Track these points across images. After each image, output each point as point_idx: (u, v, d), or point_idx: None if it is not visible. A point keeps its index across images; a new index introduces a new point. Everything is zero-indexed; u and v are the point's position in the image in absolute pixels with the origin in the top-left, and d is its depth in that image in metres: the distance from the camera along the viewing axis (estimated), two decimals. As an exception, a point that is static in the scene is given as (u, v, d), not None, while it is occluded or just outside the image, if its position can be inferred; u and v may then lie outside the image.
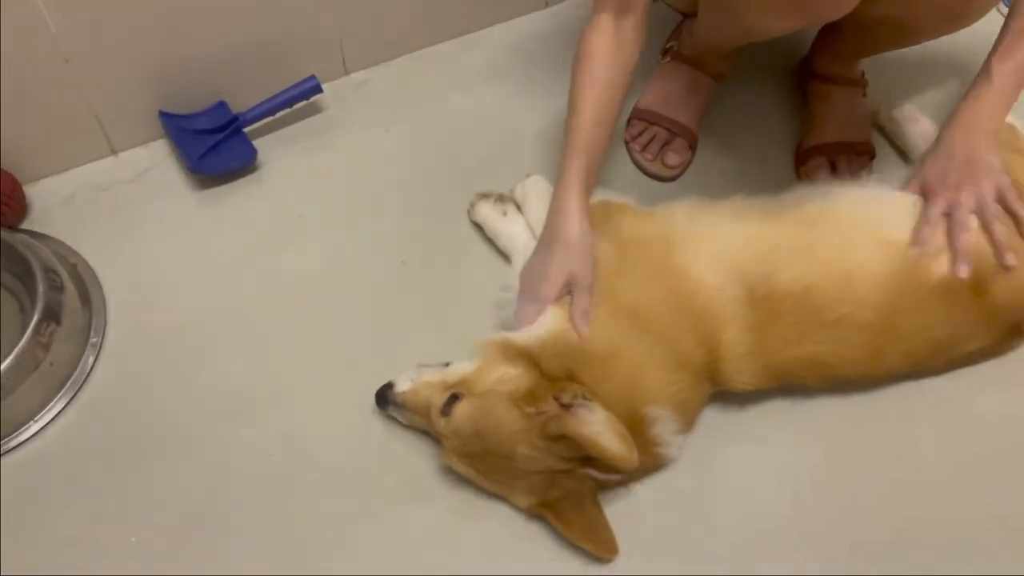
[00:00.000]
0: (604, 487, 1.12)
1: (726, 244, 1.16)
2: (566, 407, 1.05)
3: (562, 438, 1.04)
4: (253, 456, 1.20)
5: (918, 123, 1.48)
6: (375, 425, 1.22)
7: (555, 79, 1.60)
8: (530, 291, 1.19)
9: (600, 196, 1.28)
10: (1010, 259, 1.15)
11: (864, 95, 1.52)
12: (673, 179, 1.48)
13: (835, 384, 1.21)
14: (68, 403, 1.24)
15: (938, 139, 1.27)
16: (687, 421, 1.14)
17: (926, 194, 1.23)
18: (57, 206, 1.43)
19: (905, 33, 1.35)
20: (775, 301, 1.12)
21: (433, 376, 1.16)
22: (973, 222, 1.18)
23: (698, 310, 1.12)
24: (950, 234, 1.17)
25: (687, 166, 1.49)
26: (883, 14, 1.24)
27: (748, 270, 1.13)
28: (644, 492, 1.16)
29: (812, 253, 1.15)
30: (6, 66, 1.28)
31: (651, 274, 1.15)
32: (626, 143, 1.51)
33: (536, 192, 1.34)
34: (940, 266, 1.15)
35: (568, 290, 1.16)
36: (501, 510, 1.15)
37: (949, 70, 1.61)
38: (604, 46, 1.21)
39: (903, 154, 1.51)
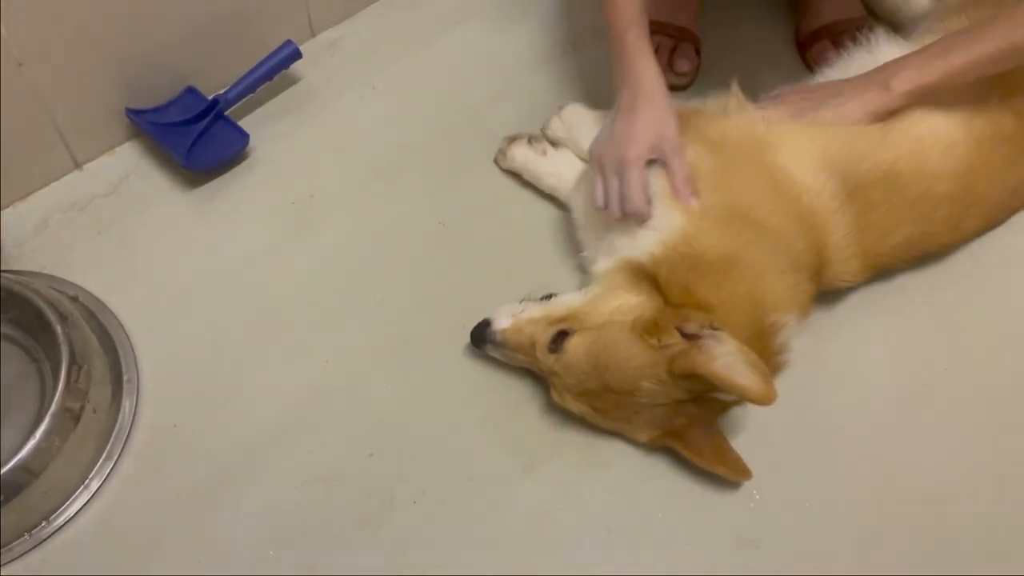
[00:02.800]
0: (728, 407, 1.07)
1: (813, 139, 1.11)
2: (692, 338, 0.99)
3: (692, 375, 0.97)
4: (350, 459, 1.09)
5: None
6: (472, 389, 1.14)
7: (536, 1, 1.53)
8: (614, 159, 1.08)
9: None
10: None
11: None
12: (686, 87, 1.43)
13: (920, 263, 1.21)
14: (121, 451, 1.09)
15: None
16: (804, 324, 1.10)
17: None
18: (30, 237, 1.24)
19: None
20: (864, 191, 1.09)
21: (536, 311, 1.08)
22: None
23: (804, 212, 1.07)
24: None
25: (697, 71, 1.44)
26: None
27: (837, 162, 1.09)
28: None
29: (884, 135, 1.12)
30: (-49, 82, 1.08)
31: (752, 174, 1.09)
32: (629, 59, 1.44)
33: (581, 121, 1.26)
34: (994, 117, 1.14)
35: (654, 155, 1.07)
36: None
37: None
38: None
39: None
